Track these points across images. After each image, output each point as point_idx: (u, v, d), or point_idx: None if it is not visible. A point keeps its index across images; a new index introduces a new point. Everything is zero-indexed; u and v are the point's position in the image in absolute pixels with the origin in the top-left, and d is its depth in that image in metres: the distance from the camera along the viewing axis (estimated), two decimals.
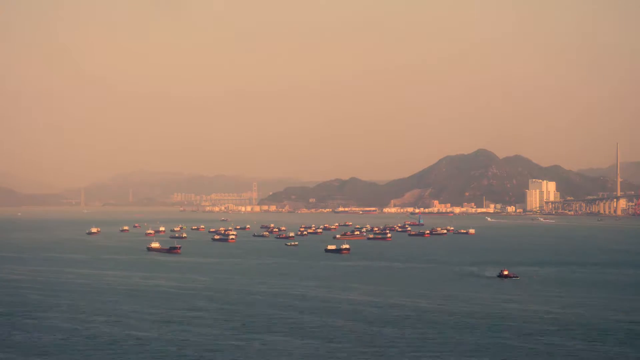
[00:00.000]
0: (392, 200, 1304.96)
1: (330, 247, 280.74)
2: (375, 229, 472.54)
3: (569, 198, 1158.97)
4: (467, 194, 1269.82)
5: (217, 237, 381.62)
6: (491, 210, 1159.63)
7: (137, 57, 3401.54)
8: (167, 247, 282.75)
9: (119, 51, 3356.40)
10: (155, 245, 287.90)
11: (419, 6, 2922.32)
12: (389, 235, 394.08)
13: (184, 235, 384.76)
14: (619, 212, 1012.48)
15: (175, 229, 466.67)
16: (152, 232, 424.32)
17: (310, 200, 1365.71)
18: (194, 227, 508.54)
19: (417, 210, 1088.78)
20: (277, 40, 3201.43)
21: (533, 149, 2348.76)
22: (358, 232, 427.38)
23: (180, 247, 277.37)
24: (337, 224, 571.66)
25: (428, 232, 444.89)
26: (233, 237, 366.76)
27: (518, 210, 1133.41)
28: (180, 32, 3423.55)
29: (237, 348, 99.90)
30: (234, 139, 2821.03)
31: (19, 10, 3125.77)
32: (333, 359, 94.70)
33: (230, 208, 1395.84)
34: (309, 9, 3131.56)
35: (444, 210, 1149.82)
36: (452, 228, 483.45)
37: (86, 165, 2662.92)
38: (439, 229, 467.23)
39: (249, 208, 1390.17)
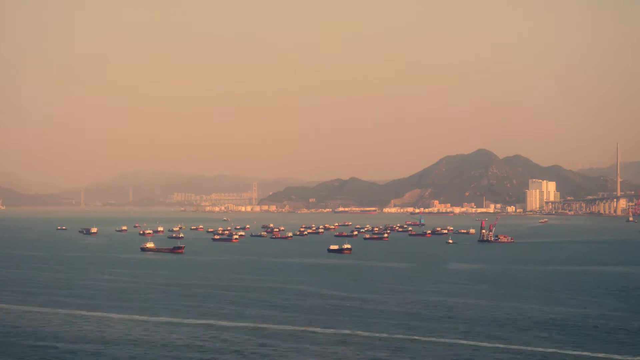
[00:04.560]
0: (392, 200, 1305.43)
1: (332, 247, 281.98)
2: (376, 229, 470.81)
3: (569, 198, 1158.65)
4: (467, 194, 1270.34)
5: (217, 237, 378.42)
6: (491, 210, 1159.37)
7: (137, 57, 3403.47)
8: (169, 247, 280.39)
9: (118, 51, 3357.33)
10: (150, 245, 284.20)
11: (419, 6, 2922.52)
12: (385, 235, 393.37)
13: (181, 235, 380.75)
14: (619, 212, 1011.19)
15: (175, 228, 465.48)
16: (150, 232, 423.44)
17: (310, 200, 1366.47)
18: (192, 227, 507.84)
19: (417, 210, 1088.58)
20: (276, 40, 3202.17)
21: (533, 149, 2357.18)
22: (356, 232, 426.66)
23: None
24: (337, 224, 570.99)
25: (429, 232, 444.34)
26: (237, 237, 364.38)
27: (518, 210, 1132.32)
28: (180, 31, 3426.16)
29: None
30: (234, 139, 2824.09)
31: (17, 9, 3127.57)
32: None
33: (230, 208, 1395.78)
34: (308, 6, 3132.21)
35: (444, 210, 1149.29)
36: (452, 228, 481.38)
37: (86, 165, 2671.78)
38: (439, 228, 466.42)
39: (249, 208, 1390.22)
